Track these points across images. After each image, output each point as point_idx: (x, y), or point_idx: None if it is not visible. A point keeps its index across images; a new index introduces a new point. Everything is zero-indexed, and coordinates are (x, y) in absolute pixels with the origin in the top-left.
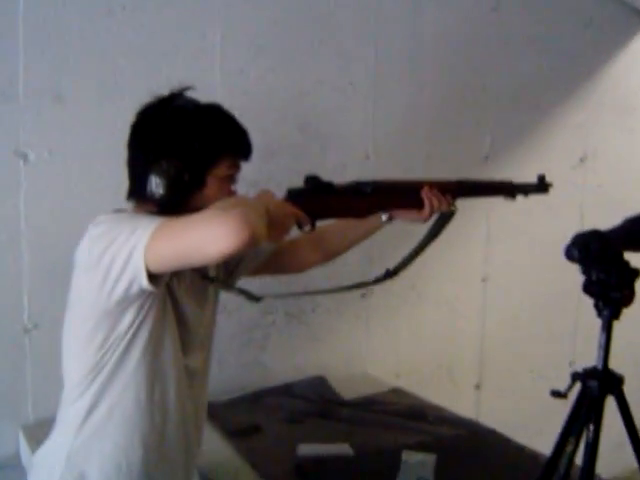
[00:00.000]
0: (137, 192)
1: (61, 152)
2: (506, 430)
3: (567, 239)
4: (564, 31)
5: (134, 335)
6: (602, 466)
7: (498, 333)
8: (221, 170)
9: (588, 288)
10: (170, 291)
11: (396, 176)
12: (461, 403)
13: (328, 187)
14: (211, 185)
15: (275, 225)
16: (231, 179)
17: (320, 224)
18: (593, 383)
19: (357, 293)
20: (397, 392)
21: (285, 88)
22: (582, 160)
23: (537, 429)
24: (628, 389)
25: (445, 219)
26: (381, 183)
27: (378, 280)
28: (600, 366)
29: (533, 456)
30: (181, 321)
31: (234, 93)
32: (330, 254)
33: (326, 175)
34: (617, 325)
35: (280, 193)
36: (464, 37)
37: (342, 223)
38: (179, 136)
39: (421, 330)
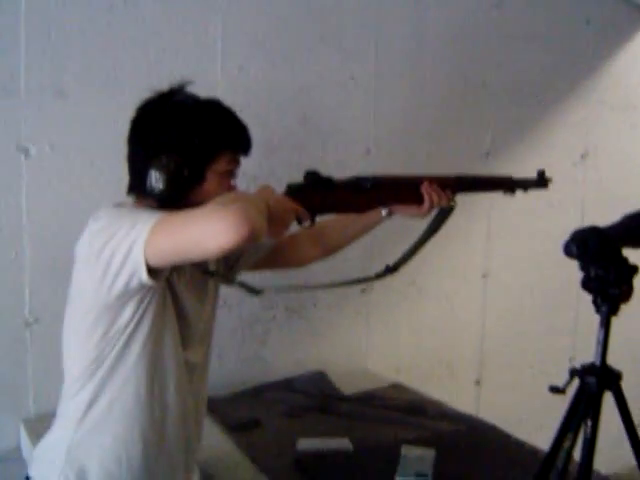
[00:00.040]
0: (137, 187)
1: (62, 147)
2: (506, 426)
3: (568, 235)
4: (565, 28)
5: (134, 329)
6: (602, 462)
7: (498, 329)
8: (221, 165)
9: (586, 284)
10: (170, 286)
11: (397, 171)
12: (461, 398)
13: (328, 182)
14: (211, 180)
15: (275, 220)
16: (231, 174)
17: (320, 219)
18: (591, 379)
19: (357, 288)
20: (397, 387)
21: (286, 83)
22: (583, 157)
23: (537, 425)
24: (627, 385)
25: (445, 214)
26: (381, 178)
27: (378, 276)
28: (598, 362)
29: (533, 452)
30: (181, 316)
31: (235, 88)
32: (330, 249)
33: (327, 170)
34: (617, 321)
35: (281, 188)
36: (465, 33)
37: (342, 218)
38: (179, 131)
39: (421, 326)
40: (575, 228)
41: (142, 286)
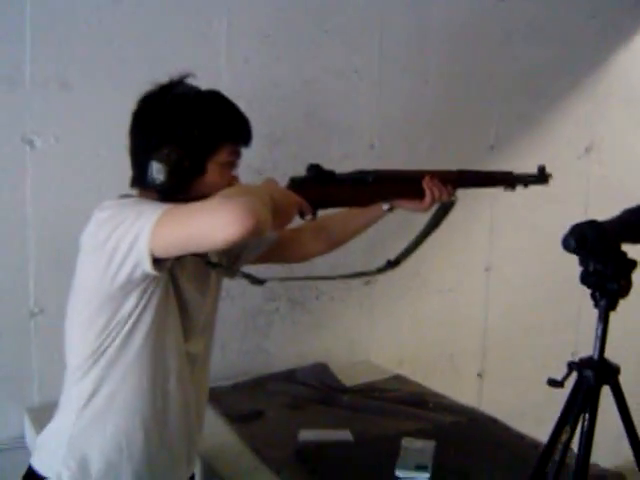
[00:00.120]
0: (139, 179)
1: (67, 139)
2: (508, 419)
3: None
4: (570, 21)
5: (136, 320)
6: (604, 456)
7: (501, 322)
8: (221, 156)
9: (585, 279)
10: (172, 277)
11: (401, 165)
12: (463, 391)
13: (330, 176)
14: (212, 171)
15: (279, 213)
16: (232, 165)
17: (322, 213)
18: (589, 373)
19: (360, 281)
20: (399, 379)
21: (290, 76)
22: (587, 150)
23: (539, 418)
24: (627, 380)
25: (446, 209)
26: (383, 172)
27: (380, 270)
28: (596, 356)
29: (533, 445)
30: (182, 307)
31: (239, 81)
32: (332, 243)
33: (331, 163)
34: (616, 316)
35: (284, 181)
36: (470, 27)
37: (344, 212)
38: (179, 123)
39: (424, 318)
40: (573, 222)
41: (146, 276)
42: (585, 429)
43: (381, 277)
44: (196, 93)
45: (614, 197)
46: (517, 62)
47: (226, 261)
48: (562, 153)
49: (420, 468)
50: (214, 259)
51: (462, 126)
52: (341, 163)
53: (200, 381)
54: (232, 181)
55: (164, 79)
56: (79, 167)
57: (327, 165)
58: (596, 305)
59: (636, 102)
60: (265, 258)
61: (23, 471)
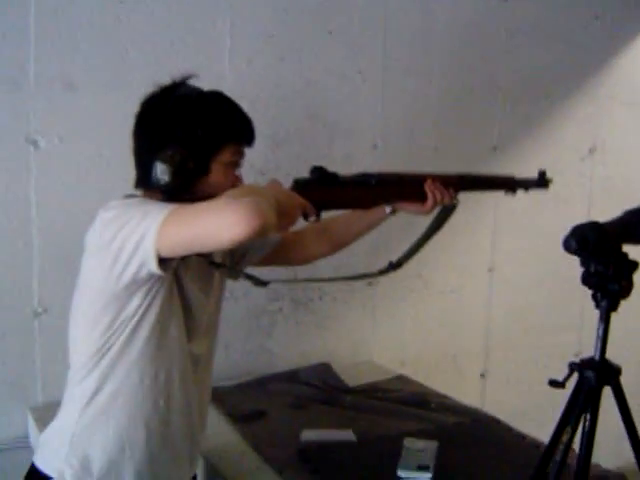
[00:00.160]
0: (144, 180)
1: (71, 139)
2: (511, 419)
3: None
4: (573, 22)
5: (140, 319)
6: (607, 456)
7: (504, 323)
8: (225, 157)
9: (586, 280)
10: (177, 277)
11: (404, 166)
12: (466, 392)
13: (334, 178)
14: (216, 172)
15: (283, 215)
16: (235, 165)
17: (325, 215)
18: (590, 373)
19: (363, 282)
20: (402, 380)
21: (294, 77)
22: (591, 152)
23: (543, 419)
24: (628, 381)
25: (447, 212)
26: (385, 175)
27: (382, 272)
28: (597, 357)
29: (535, 445)
30: (186, 307)
31: (243, 82)
32: (335, 245)
33: (334, 164)
34: (618, 316)
35: (287, 182)
36: (473, 28)
37: (346, 215)
38: (183, 124)
39: (427, 319)
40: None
41: (151, 276)
42: (586, 430)
43: (384, 278)
44: (199, 94)
45: (617, 198)
46: (520, 63)
47: (229, 262)
48: (565, 154)
49: (422, 468)
50: (218, 259)
51: (465, 127)
52: (344, 163)
53: (203, 381)
54: (236, 181)
55: (167, 79)
56: (83, 167)
57: (330, 165)
58: (597, 306)
59: (639, 103)
60: (268, 260)
61: (27, 470)
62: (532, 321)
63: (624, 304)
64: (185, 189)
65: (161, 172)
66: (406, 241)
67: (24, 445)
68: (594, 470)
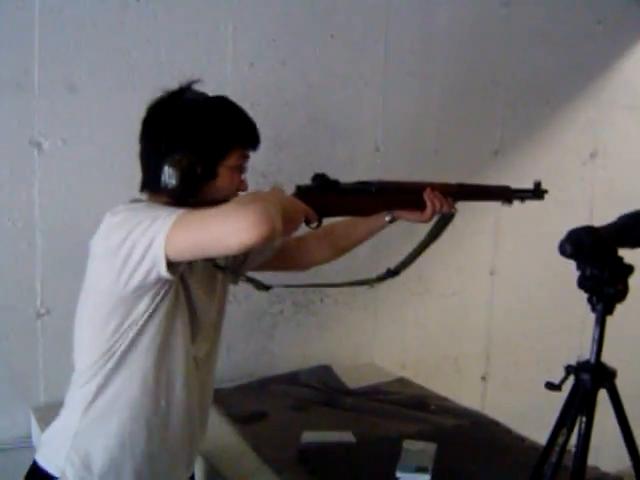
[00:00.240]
0: (150, 184)
1: (74, 141)
2: (512, 422)
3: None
4: (575, 27)
5: (147, 322)
6: (607, 460)
7: (505, 325)
8: (232, 160)
9: (582, 283)
10: (182, 280)
11: (406, 168)
12: (467, 394)
13: (335, 185)
14: (223, 175)
15: (287, 220)
16: (241, 169)
17: (325, 222)
18: (585, 376)
19: None
20: (402, 382)
21: (296, 81)
22: (592, 156)
23: (543, 421)
24: (625, 384)
25: (446, 220)
26: (385, 184)
27: (380, 278)
28: (593, 360)
29: (533, 447)
30: (191, 310)
31: (245, 85)
32: (336, 251)
33: (335, 167)
34: (615, 320)
35: (289, 185)
36: (474, 32)
37: (347, 221)
38: (190, 129)
39: (428, 321)
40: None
41: (159, 280)
42: (582, 432)
43: (385, 281)
44: (205, 99)
45: (619, 202)
46: (522, 67)
47: (231, 265)
48: (567, 159)
49: (420, 470)
50: (221, 262)
51: (467, 131)
52: (346, 167)
53: (205, 382)
54: (241, 185)
55: (170, 83)
56: (86, 169)
57: (332, 168)
58: (593, 309)
59: None
60: (270, 265)
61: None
62: (533, 324)
63: (619, 308)
64: (192, 193)
65: (169, 176)
66: (408, 245)
67: (27, 445)
68: (591, 473)
